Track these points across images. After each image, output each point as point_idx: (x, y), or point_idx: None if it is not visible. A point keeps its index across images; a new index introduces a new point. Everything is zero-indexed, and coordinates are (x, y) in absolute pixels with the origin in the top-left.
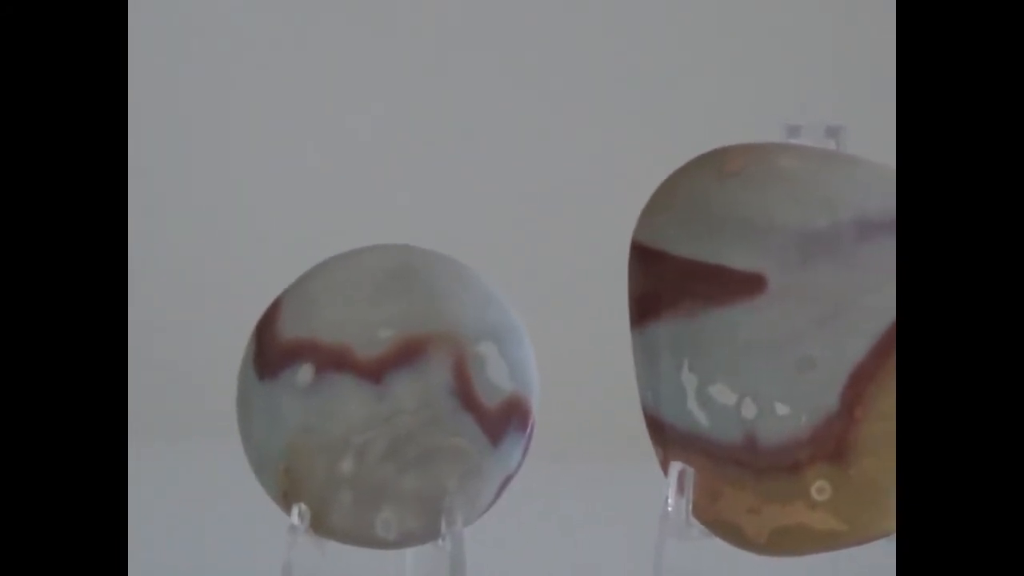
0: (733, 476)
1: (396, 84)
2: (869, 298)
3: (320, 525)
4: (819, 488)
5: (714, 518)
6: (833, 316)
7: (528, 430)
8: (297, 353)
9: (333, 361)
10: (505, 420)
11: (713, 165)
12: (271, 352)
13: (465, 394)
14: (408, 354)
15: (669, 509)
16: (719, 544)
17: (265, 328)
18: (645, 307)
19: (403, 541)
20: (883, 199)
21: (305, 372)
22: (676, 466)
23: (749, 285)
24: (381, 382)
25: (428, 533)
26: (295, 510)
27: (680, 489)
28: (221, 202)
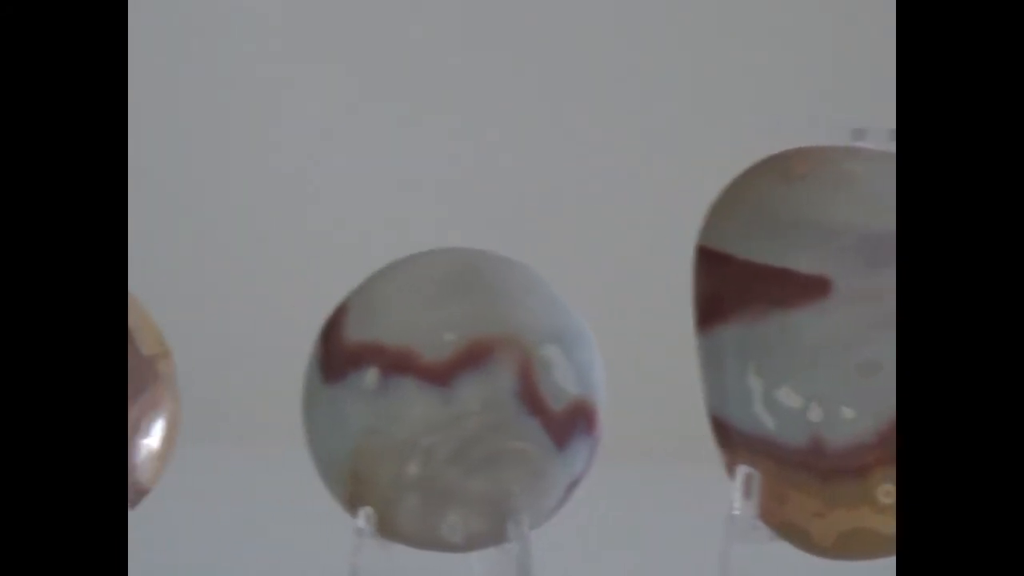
0: (799, 480)
1: (454, 82)
2: None
3: (386, 529)
4: (886, 492)
5: (780, 521)
6: None
7: (594, 433)
8: (363, 356)
9: (398, 364)
10: (571, 423)
11: (779, 168)
12: (336, 355)
13: (531, 397)
14: (474, 357)
15: (735, 512)
16: (785, 548)
17: (330, 331)
18: (710, 310)
19: (469, 544)
20: None
21: (371, 375)
22: (742, 469)
23: (814, 288)
24: (447, 385)
25: (494, 536)
26: (361, 514)
27: (746, 492)
28: (283, 206)
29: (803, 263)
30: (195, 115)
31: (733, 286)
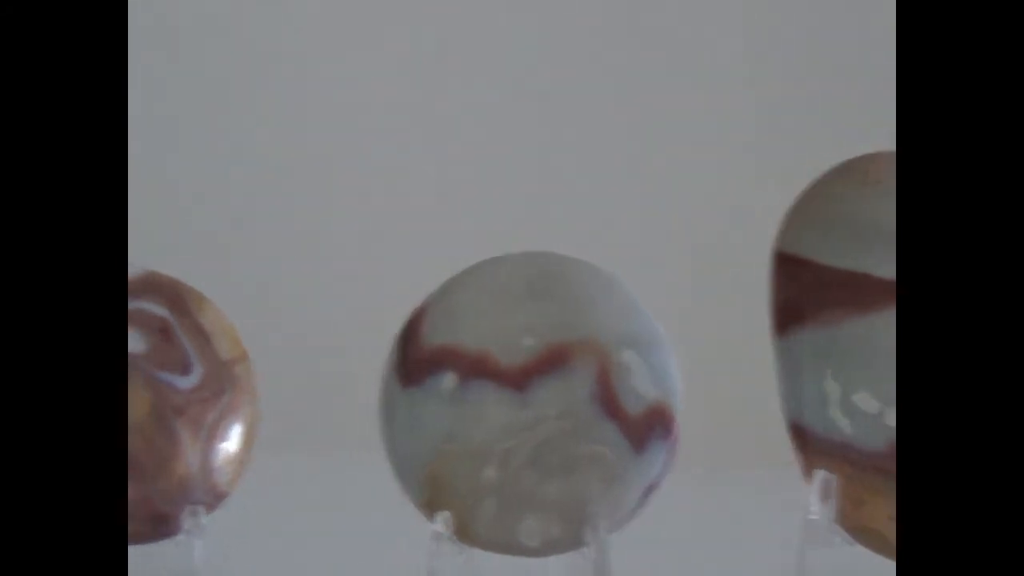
0: (876, 484)
1: (534, 85)
2: None
3: (464, 533)
4: None
5: (857, 525)
6: None
7: (671, 438)
8: (441, 360)
9: (477, 368)
10: (648, 428)
11: (856, 173)
12: (415, 359)
13: (608, 402)
14: (551, 361)
15: (812, 517)
16: (862, 552)
17: (409, 335)
18: (787, 315)
19: (547, 549)
20: None
21: (449, 379)
22: (820, 474)
23: (892, 293)
24: (524, 389)
25: (572, 541)
26: (439, 518)
27: (824, 497)
28: (363, 209)
29: (881, 267)
30: (275, 121)
31: (810, 291)
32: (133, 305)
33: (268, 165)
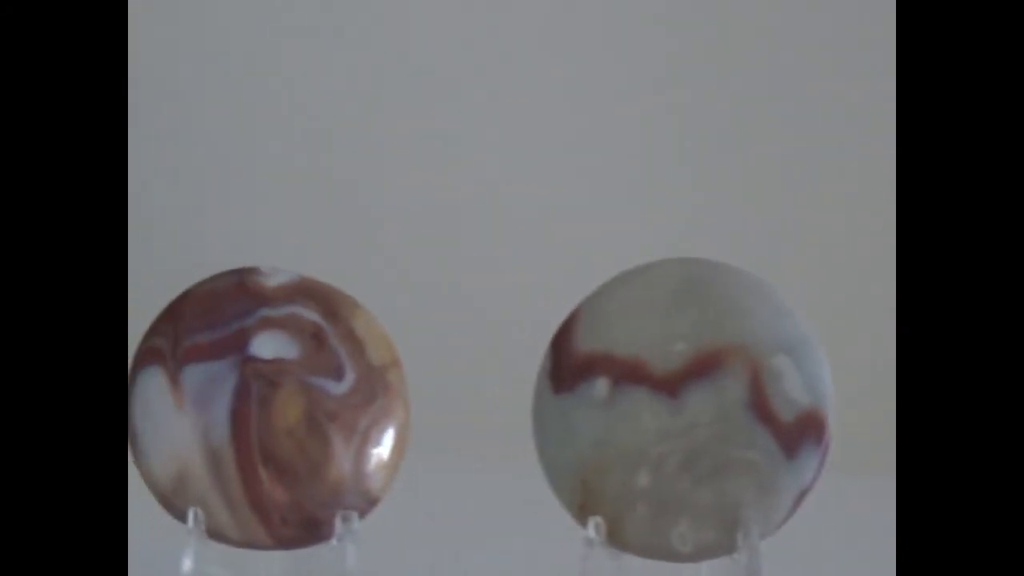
0: None
1: (687, 93)
2: None
3: (616, 538)
4: None
5: None
6: None
7: (824, 444)
8: (593, 366)
9: (629, 374)
10: (800, 433)
11: None
12: (567, 365)
13: (760, 407)
14: (703, 367)
15: None
16: None
17: (561, 341)
18: None
19: (699, 554)
20: None
21: (601, 385)
22: None
23: None
24: (677, 396)
25: (724, 546)
26: (591, 523)
27: None
28: (514, 215)
29: None
30: (434, 130)
31: None
32: (286, 311)
33: (423, 172)
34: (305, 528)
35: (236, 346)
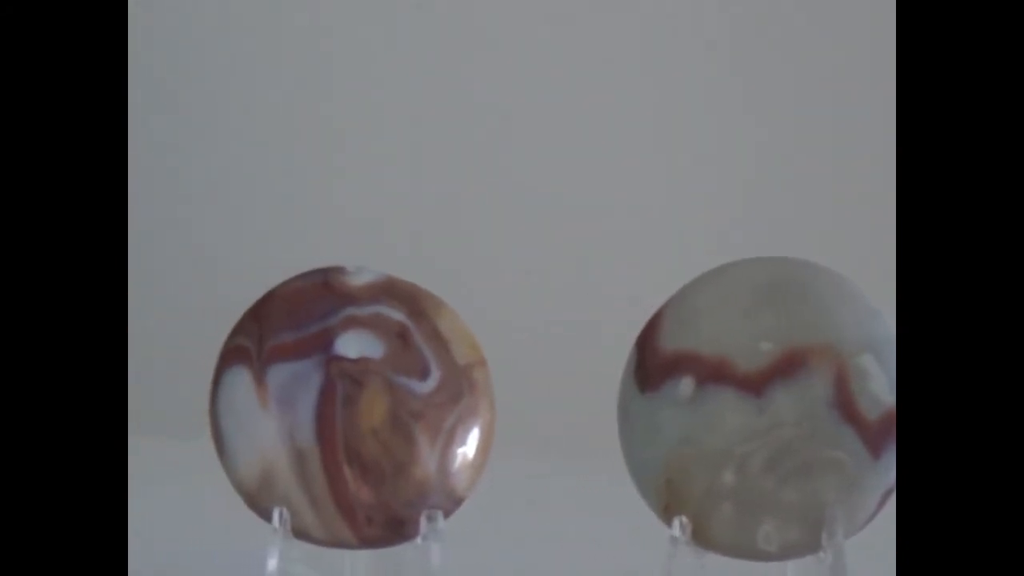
0: None
1: (765, 92)
2: None
3: (700, 537)
4: None
5: None
6: None
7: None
8: (679, 365)
9: (714, 373)
10: (886, 433)
11: None
12: (652, 365)
13: (846, 407)
14: (789, 367)
15: None
16: None
17: (647, 340)
18: None
19: (784, 554)
20: None
21: (686, 385)
22: None
23: None
24: (762, 394)
25: (808, 546)
26: (676, 522)
27: None
28: (598, 215)
29: None
30: (521, 130)
31: None
32: (372, 310)
33: (506, 169)
34: (390, 527)
35: (321, 345)
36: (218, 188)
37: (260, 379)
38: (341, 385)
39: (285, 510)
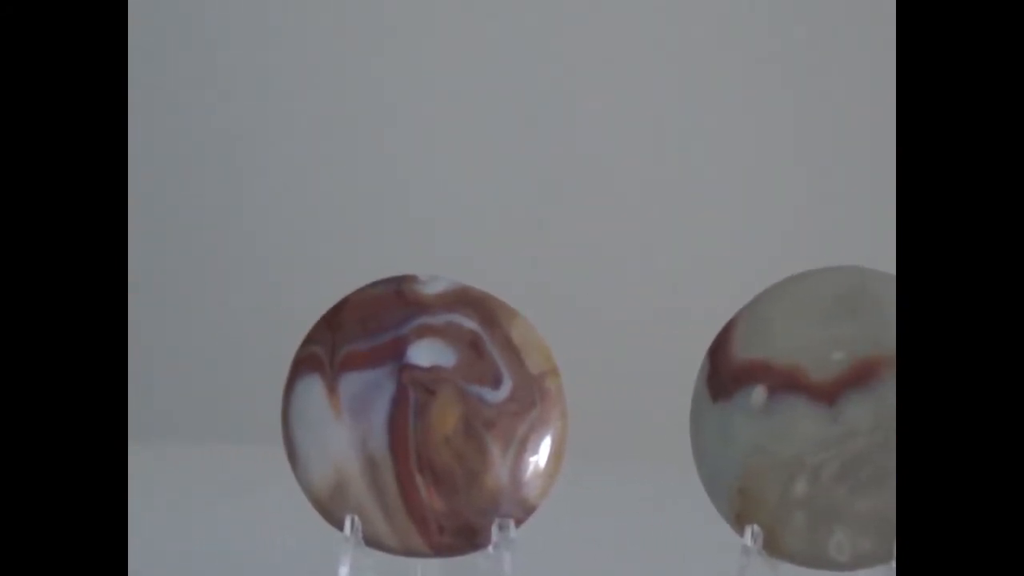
0: None
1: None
2: None
3: (773, 546)
4: None
5: None
6: None
7: None
8: (751, 374)
9: (787, 382)
10: None
11: None
12: (725, 373)
13: None
14: (862, 376)
15: None
16: None
17: (719, 349)
18: None
19: (856, 563)
20: None
21: (759, 393)
22: None
23: None
24: (835, 404)
25: (881, 555)
26: (748, 531)
27: None
28: (671, 222)
29: None
30: (584, 136)
31: None
32: (445, 319)
33: (583, 183)
34: (462, 536)
35: (394, 354)
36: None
37: (333, 388)
38: (414, 394)
39: (357, 518)
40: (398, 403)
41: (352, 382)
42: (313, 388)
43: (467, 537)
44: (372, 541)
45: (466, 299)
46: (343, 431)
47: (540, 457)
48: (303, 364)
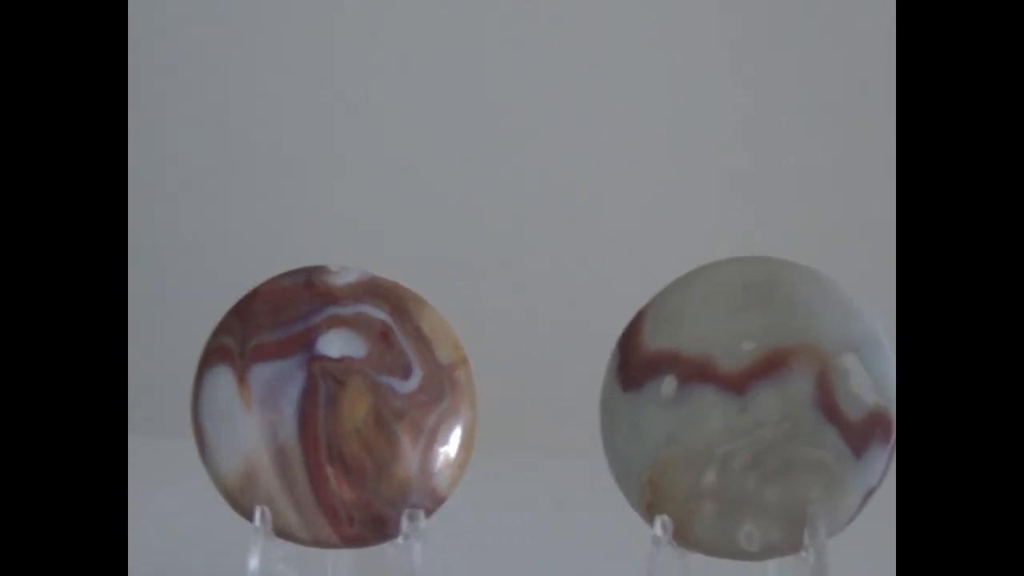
0: None
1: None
2: None
3: (683, 536)
4: None
5: None
6: None
7: (891, 443)
8: (661, 365)
9: (697, 372)
10: (868, 432)
11: None
12: (635, 364)
13: (828, 406)
14: (771, 366)
15: None
16: None
17: (629, 339)
18: None
19: (765, 553)
20: None
21: (669, 384)
22: None
23: None
24: (744, 394)
25: (790, 545)
26: (658, 522)
27: None
28: (579, 214)
29: None
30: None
31: None
32: (355, 309)
33: (489, 173)
34: (372, 526)
35: (304, 345)
36: (219, 189)
37: (243, 379)
38: (324, 384)
39: (267, 509)
40: (308, 394)
41: (262, 373)
42: (223, 379)
43: (377, 528)
44: (282, 532)
45: (376, 289)
46: (253, 422)
47: (450, 447)
48: (213, 355)
